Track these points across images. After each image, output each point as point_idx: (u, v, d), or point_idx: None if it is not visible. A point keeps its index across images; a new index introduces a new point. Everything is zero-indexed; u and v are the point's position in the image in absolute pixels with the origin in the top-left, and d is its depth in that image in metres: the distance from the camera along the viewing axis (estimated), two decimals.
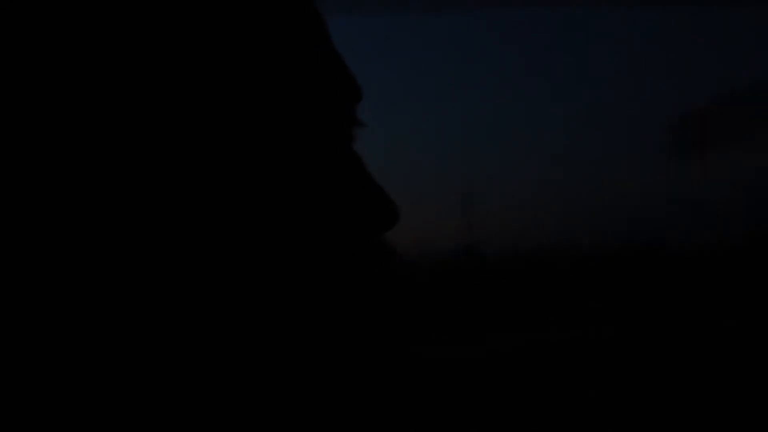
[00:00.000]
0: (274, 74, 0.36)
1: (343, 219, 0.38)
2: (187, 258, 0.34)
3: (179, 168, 0.34)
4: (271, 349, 0.35)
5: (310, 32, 0.38)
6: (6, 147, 0.33)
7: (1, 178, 0.33)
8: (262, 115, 0.36)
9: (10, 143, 0.33)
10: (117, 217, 0.33)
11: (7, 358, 0.32)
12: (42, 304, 0.33)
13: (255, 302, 0.35)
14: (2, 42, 0.33)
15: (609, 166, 2.28)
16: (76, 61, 0.33)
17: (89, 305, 0.33)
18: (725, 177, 2.22)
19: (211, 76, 0.34)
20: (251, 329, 0.35)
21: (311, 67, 0.37)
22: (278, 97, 0.36)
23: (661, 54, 2.25)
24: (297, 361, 0.36)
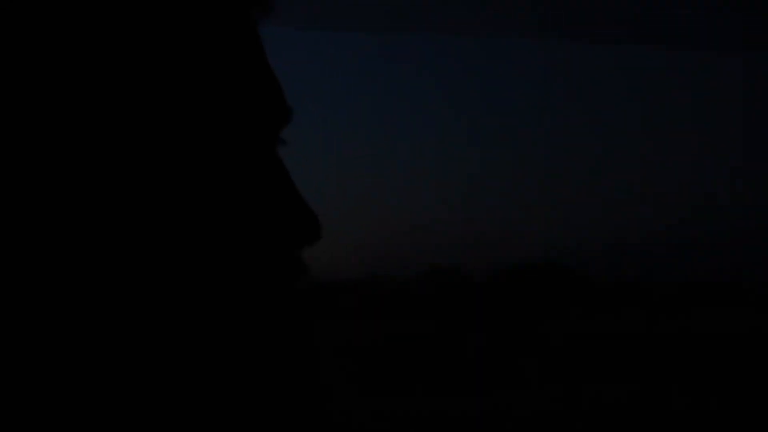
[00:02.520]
0: (201, 86, 0.36)
1: (263, 228, 0.38)
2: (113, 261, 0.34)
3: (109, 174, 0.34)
4: (175, 350, 0.35)
5: (241, 46, 0.38)
6: (6, 147, 0.33)
7: (1, 178, 0.33)
8: (186, 123, 0.35)
9: (10, 143, 0.33)
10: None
11: (7, 358, 0.33)
12: (42, 304, 0.33)
13: (161, 304, 0.34)
14: (2, 42, 0.33)
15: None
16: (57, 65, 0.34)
17: (78, 306, 0.33)
18: None
19: (135, 84, 0.34)
20: (156, 330, 0.34)
21: (240, 83, 0.37)
22: (201, 108, 0.36)
23: None
24: (197, 363, 0.35)
